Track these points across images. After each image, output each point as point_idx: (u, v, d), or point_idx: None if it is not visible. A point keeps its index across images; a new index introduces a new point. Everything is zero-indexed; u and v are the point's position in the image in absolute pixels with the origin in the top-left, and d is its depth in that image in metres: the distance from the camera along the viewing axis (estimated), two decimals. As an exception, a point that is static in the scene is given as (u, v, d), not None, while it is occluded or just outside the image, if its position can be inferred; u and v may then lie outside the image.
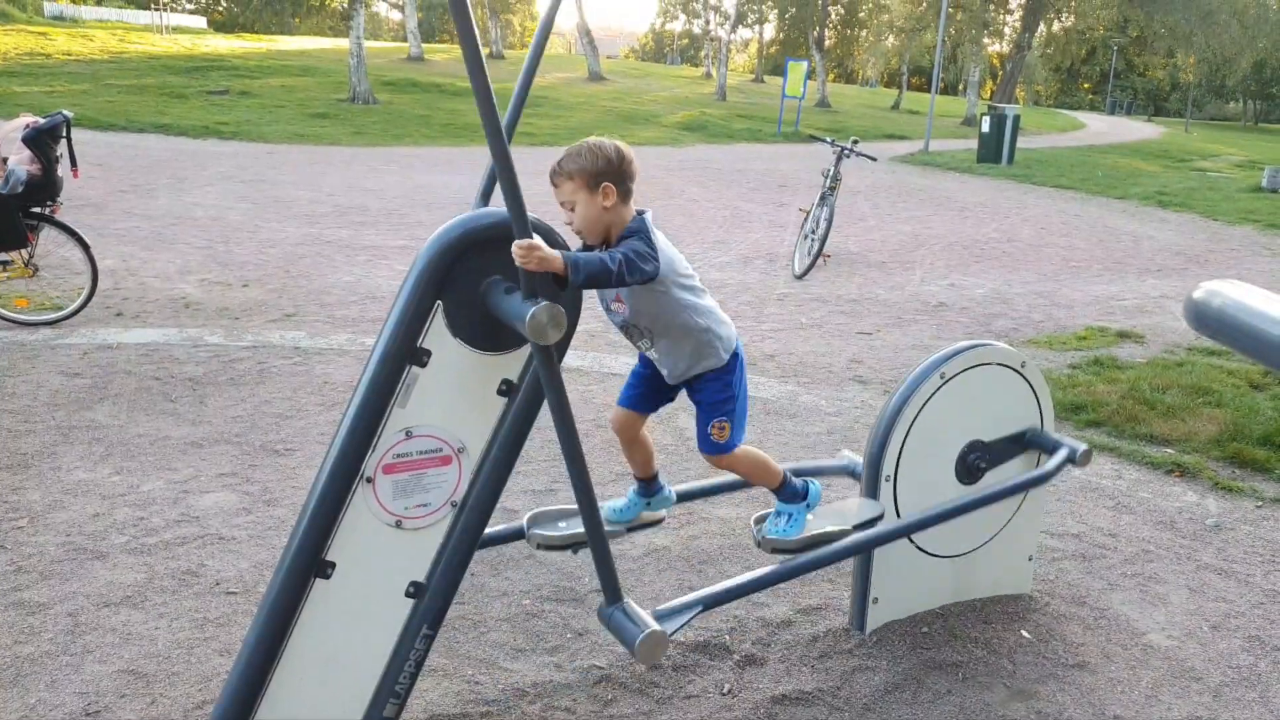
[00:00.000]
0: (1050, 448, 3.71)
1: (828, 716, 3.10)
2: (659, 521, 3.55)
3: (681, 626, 2.82)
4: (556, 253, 2.35)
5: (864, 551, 3.44)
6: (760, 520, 3.37)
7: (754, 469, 3.27)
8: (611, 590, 2.66)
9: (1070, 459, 3.65)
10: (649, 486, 3.43)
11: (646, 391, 3.22)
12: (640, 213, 2.82)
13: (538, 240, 2.30)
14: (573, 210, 2.78)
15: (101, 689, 3.05)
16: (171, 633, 3.37)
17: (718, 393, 3.08)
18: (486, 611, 3.59)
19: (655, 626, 2.60)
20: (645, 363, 3.19)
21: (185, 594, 3.61)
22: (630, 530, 3.52)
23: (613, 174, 2.75)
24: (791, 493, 3.31)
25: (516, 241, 2.27)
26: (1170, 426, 5.75)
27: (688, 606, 2.87)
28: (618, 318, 2.99)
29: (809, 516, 3.33)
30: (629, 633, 2.61)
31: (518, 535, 3.37)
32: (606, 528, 3.29)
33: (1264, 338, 1.24)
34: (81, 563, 3.79)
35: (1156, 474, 5.18)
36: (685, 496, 3.75)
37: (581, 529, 3.30)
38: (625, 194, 2.78)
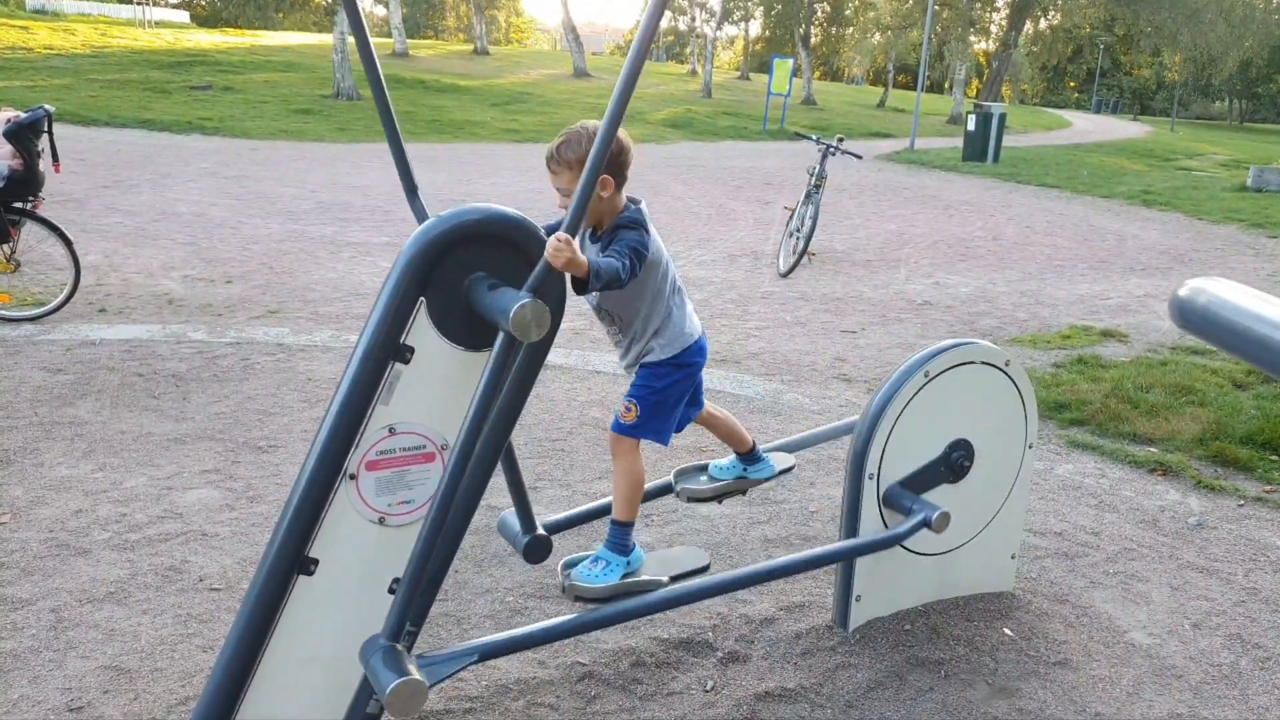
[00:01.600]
0: (906, 509, 3.53)
1: (810, 713, 3.11)
2: (746, 489, 3.73)
3: (448, 678, 2.62)
4: (585, 258, 2.39)
5: (675, 607, 3.24)
6: (571, 565, 3.22)
7: (627, 480, 3.16)
8: (393, 627, 2.41)
9: (925, 523, 3.47)
10: (749, 457, 3.63)
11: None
12: (635, 202, 2.82)
13: (576, 243, 2.32)
14: (568, 197, 2.74)
15: (84, 685, 3.04)
16: (154, 629, 3.35)
17: (645, 379, 3.11)
18: (470, 608, 3.59)
19: (415, 675, 2.33)
20: None
21: (168, 590, 3.60)
22: (720, 498, 3.72)
23: (610, 165, 2.74)
24: (621, 544, 3.17)
25: (558, 235, 2.29)
26: (1153, 425, 5.77)
27: (462, 655, 2.66)
28: (592, 300, 3.01)
29: (622, 577, 3.15)
30: (383, 678, 2.32)
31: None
32: (708, 482, 3.60)
33: (1249, 335, 1.24)
34: (64, 559, 3.77)
35: (1139, 473, 5.20)
36: (660, 492, 3.77)
37: (730, 480, 3.63)
38: (621, 184, 2.80)
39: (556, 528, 3.56)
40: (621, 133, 2.76)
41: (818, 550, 3.42)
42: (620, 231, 2.77)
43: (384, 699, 2.27)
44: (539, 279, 2.33)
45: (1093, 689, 3.30)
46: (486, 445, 2.57)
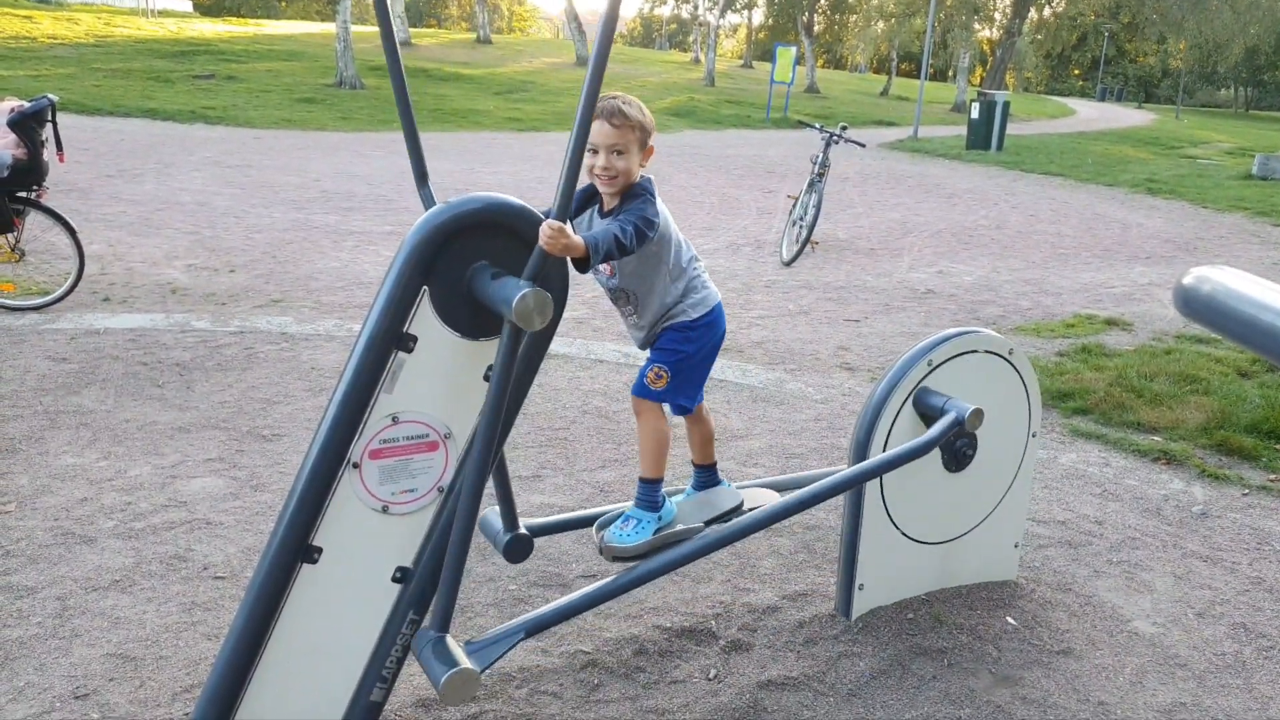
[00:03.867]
0: (937, 412, 3.45)
1: (813, 702, 3.11)
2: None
3: (499, 658, 2.67)
4: (579, 238, 2.38)
5: (714, 551, 3.14)
6: (604, 525, 3.23)
7: (653, 439, 3.12)
8: (441, 617, 2.49)
9: (959, 421, 3.40)
10: (705, 475, 3.44)
11: None
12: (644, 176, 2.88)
13: (568, 226, 2.31)
14: (613, 154, 2.80)
15: (90, 672, 3.05)
16: (159, 617, 3.36)
17: (671, 341, 3.08)
18: (473, 597, 3.60)
19: (466, 664, 2.43)
20: None
21: (173, 578, 3.61)
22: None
23: (651, 137, 2.89)
24: (651, 500, 3.18)
25: (549, 222, 2.28)
26: (1157, 414, 5.77)
27: (507, 635, 2.72)
28: (610, 281, 2.99)
29: (653, 533, 3.16)
30: (434, 671, 2.42)
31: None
32: (676, 524, 3.26)
33: (1254, 324, 1.23)
34: (69, 547, 3.78)
35: (1143, 461, 5.20)
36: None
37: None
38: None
39: (540, 530, 3.36)
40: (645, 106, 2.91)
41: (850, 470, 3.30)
42: (626, 203, 2.78)
43: (439, 690, 2.36)
44: (536, 266, 2.32)
45: (1096, 678, 3.31)
46: (486, 435, 2.57)
